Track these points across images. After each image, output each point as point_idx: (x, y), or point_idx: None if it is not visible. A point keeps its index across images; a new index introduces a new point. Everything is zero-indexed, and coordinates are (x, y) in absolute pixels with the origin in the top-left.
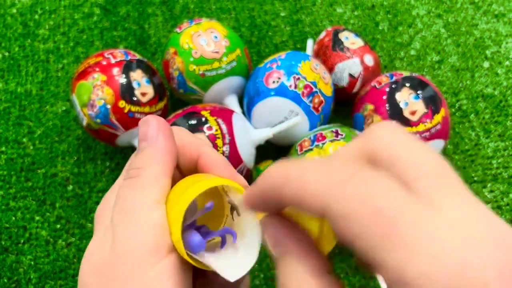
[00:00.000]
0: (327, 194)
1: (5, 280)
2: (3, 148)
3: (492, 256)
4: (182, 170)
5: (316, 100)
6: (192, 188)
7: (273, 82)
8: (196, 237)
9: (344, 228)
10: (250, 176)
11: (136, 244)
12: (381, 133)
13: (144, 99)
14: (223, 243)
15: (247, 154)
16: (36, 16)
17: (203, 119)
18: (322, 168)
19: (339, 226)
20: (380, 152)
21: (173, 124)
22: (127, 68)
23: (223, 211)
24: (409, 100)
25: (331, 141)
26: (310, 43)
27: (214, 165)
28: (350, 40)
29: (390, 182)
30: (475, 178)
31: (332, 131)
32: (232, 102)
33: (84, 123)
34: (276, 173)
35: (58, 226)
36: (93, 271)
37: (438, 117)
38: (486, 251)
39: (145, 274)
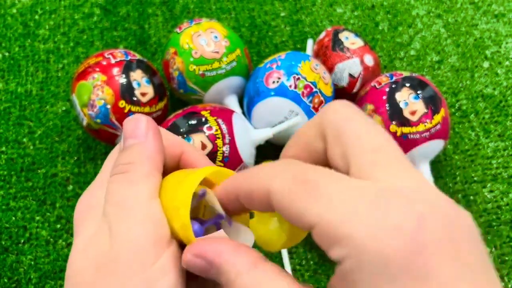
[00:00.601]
0: (270, 180)
1: (5, 280)
2: (3, 148)
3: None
4: (165, 168)
5: (316, 100)
6: (194, 174)
7: (273, 82)
8: (195, 225)
9: (280, 202)
10: None
11: (137, 237)
12: (331, 110)
13: (144, 99)
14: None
15: (247, 154)
16: (36, 16)
17: (203, 119)
18: (272, 163)
19: (276, 201)
20: (327, 128)
21: (173, 124)
22: (127, 68)
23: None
24: (409, 100)
25: None
26: (310, 43)
27: (197, 162)
28: (350, 40)
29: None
30: (475, 178)
31: None
32: (232, 102)
33: (84, 123)
34: (238, 175)
35: (58, 226)
36: (92, 267)
37: (438, 117)
38: (401, 204)
39: (148, 267)
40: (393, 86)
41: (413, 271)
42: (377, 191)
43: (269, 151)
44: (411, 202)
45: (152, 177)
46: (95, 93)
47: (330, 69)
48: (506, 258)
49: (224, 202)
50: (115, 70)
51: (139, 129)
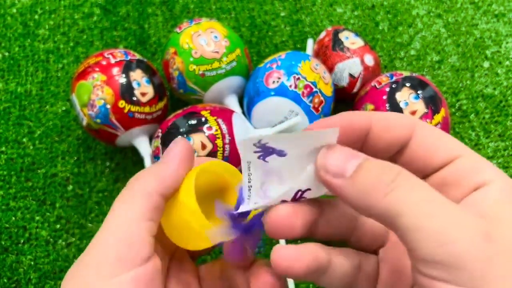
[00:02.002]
0: (414, 122)
1: (5, 280)
2: (3, 148)
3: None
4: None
5: (316, 100)
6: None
7: (273, 82)
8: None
9: (426, 134)
10: None
11: (98, 255)
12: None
13: (144, 99)
14: None
15: None
16: (36, 16)
17: (203, 119)
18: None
19: (421, 133)
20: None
21: (173, 124)
22: (127, 68)
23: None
24: (409, 100)
25: None
26: (310, 43)
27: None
28: (350, 40)
29: None
30: None
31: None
32: (232, 102)
33: (84, 123)
34: (356, 114)
35: (58, 226)
36: (66, 279)
37: (438, 117)
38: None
39: (105, 284)
40: (393, 86)
41: None
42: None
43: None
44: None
45: (152, 198)
46: (95, 93)
47: (330, 69)
48: None
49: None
50: (115, 70)
51: (172, 151)
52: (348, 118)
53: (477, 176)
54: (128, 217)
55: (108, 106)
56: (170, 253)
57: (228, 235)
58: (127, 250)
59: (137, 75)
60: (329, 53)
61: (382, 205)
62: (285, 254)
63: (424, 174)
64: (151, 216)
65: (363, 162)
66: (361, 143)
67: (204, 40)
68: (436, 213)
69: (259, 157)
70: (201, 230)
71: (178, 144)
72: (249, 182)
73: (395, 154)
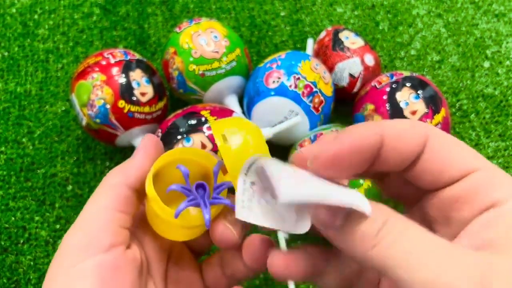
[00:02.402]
0: (427, 127)
1: (5, 281)
2: (3, 148)
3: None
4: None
5: (316, 100)
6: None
7: (273, 82)
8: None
9: (438, 146)
10: None
11: (65, 245)
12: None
13: (143, 99)
14: None
15: None
16: (36, 16)
17: (203, 119)
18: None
19: (434, 145)
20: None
21: (173, 124)
22: (126, 68)
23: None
24: (409, 100)
25: None
26: (310, 43)
27: None
28: (350, 39)
29: None
30: None
31: (332, 131)
32: (232, 102)
33: (84, 123)
34: (367, 129)
35: (58, 226)
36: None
37: (438, 117)
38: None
39: (67, 273)
40: (393, 86)
41: None
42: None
43: (269, 151)
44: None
45: (117, 190)
46: (94, 93)
47: (330, 69)
48: None
49: (337, 161)
50: (115, 70)
51: (137, 147)
52: (359, 136)
53: (492, 193)
54: (92, 209)
55: (108, 106)
56: (165, 252)
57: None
58: (88, 239)
59: (137, 75)
60: (329, 53)
61: (371, 258)
62: (281, 260)
63: (436, 187)
64: (118, 207)
65: (350, 211)
66: (373, 159)
67: (204, 40)
68: (427, 262)
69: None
70: (166, 216)
71: (145, 138)
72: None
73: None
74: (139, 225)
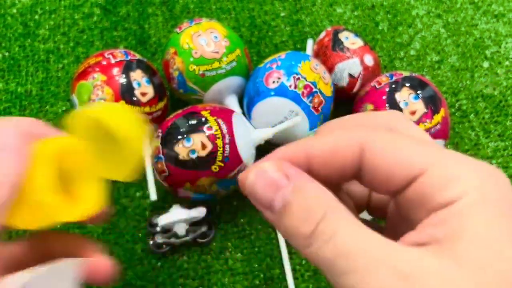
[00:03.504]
0: (364, 134)
1: None
2: None
3: None
4: None
5: (316, 100)
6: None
7: (273, 82)
8: None
9: (380, 152)
10: None
11: None
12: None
13: (144, 99)
14: None
15: (247, 154)
16: (36, 16)
17: (203, 119)
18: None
19: (375, 153)
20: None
21: (173, 124)
22: (127, 68)
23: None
24: (408, 100)
25: None
26: (310, 43)
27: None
28: (350, 40)
29: None
30: None
31: None
32: (232, 102)
33: None
34: (302, 142)
35: (58, 226)
36: None
37: (438, 117)
38: None
39: None
40: (393, 86)
41: None
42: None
43: (269, 151)
44: None
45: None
46: (95, 93)
47: (330, 69)
48: None
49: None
50: (115, 70)
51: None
52: (287, 156)
53: (446, 192)
54: None
55: None
56: None
57: None
58: None
59: (137, 75)
60: (329, 53)
61: (305, 256)
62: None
63: (392, 194)
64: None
65: (290, 198)
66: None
67: (204, 40)
68: (355, 266)
69: None
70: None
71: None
72: None
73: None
74: None
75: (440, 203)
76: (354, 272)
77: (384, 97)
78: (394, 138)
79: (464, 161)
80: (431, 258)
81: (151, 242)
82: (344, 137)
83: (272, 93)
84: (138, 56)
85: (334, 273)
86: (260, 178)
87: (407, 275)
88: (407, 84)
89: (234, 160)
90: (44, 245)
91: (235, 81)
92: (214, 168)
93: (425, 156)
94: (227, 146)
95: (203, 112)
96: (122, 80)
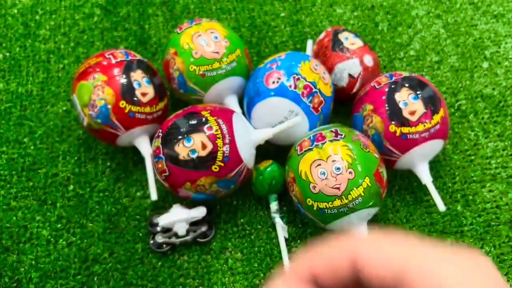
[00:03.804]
0: (355, 244)
1: (6, 280)
2: (4, 148)
3: None
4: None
5: (316, 100)
6: None
7: (273, 82)
8: None
9: (369, 253)
10: (250, 176)
11: None
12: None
13: (144, 99)
14: None
15: (247, 154)
16: (37, 17)
17: (203, 119)
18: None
19: (366, 255)
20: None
21: (173, 124)
22: (127, 68)
23: None
24: (408, 100)
25: (331, 141)
26: (310, 44)
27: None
28: (350, 40)
29: None
30: (474, 178)
31: (331, 131)
32: (232, 102)
33: (85, 123)
34: (345, 241)
35: (59, 225)
36: None
37: (437, 117)
38: None
39: None
40: (392, 86)
41: None
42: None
43: (269, 151)
44: None
45: None
46: (95, 93)
47: (330, 69)
48: (505, 258)
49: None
50: (116, 70)
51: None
52: (328, 258)
53: None
54: None
55: (109, 106)
56: None
57: None
58: None
59: (138, 76)
60: (328, 54)
61: None
62: None
63: None
64: None
65: None
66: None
67: (204, 41)
68: None
69: None
70: None
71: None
72: None
73: None
74: None
75: None
76: None
77: (383, 97)
78: (380, 237)
79: (444, 258)
80: None
81: (151, 241)
82: (338, 248)
83: (272, 93)
84: (138, 57)
85: None
86: None
87: None
88: (407, 84)
89: (234, 160)
90: None
91: (235, 81)
92: (214, 168)
93: (406, 257)
94: (227, 146)
95: (203, 112)
96: (123, 80)
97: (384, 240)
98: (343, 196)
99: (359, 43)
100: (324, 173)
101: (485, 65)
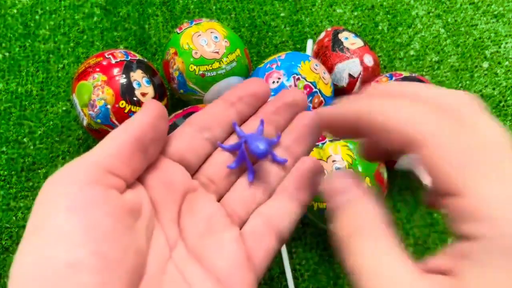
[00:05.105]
0: (425, 130)
1: (6, 280)
2: (4, 148)
3: None
4: None
5: (316, 100)
6: None
7: (273, 82)
8: None
9: (433, 157)
10: None
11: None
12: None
13: (144, 99)
14: None
15: None
16: (37, 17)
17: None
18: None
19: (428, 154)
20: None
21: (173, 124)
22: (127, 68)
23: None
24: None
25: (331, 141)
26: (310, 44)
27: None
28: (350, 40)
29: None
30: None
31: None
32: None
33: (85, 123)
34: (360, 102)
35: None
36: None
37: None
38: None
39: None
40: None
41: None
42: None
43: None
44: None
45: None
46: (95, 93)
47: (330, 69)
48: None
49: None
50: (116, 70)
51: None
52: (344, 111)
53: (473, 225)
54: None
55: (109, 106)
56: (176, 193)
57: None
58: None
59: (138, 76)
60: (328, 54)
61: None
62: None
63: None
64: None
65: (342, 205)
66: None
67: (204, 41)
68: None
69: None
70: None
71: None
72: None
73: None
74: (146, 171)
75: (465, 234)
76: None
77: None
78: (452, 142)
79: (507, 200)
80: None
81: None
82: (411, 123)
83: (272, 93)
84: (138, 56)
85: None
86: (335, 181)
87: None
88: None
89: None
90: None
91: (235, 81)
92: None
93: (464, 183)
94: None
95: None
96: (123, 80)
97: (459, 144)
98: None
99: (359, 43)
100: (324, 173)
101: (485, 65)
